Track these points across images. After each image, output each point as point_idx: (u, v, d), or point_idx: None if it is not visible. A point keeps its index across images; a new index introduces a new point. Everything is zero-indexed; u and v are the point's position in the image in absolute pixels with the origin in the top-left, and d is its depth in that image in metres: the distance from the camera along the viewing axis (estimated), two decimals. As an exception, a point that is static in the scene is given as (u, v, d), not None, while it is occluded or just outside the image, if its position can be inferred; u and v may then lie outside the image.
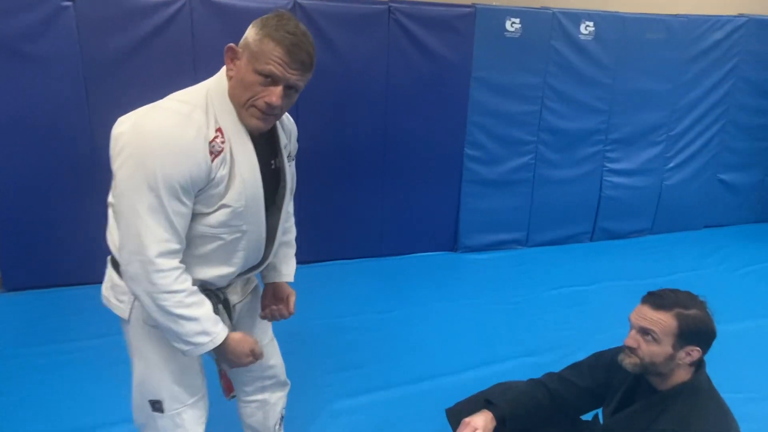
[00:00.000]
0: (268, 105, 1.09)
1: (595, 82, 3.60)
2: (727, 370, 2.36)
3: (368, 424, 2.01)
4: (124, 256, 1.09)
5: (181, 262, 1.11)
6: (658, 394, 1.33)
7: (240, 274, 1.29)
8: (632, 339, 1.31)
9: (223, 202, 1.12)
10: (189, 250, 1.14)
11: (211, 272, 1.20)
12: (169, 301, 1.08)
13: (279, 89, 1.08)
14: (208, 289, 1.22)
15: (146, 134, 1.03)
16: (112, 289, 1.24)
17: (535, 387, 1.57)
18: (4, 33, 2.53)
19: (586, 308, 3.00)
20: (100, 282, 1.28)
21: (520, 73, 3.43)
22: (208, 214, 1.12)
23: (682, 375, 1.31)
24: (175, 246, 1.09)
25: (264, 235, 1.25)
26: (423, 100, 3.32)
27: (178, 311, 1.10)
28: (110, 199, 1.17)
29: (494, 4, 3.34)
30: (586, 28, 3.47)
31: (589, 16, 3.46)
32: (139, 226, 1.04)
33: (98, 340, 2.42)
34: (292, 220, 1.46)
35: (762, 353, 2.56)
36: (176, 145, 1.03)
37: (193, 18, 2.77)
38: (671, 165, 4.02)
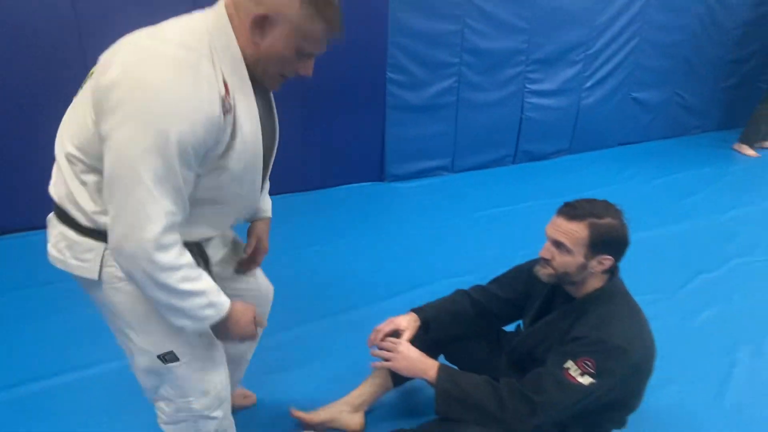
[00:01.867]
0: (302, 76, 1.05)
1: (516, -3, 3.51)
2: (639, 274, 2.52)
3: (299, 355, 1.96)
4: (119, 230, 0.91)
5: None
6: (574, 301, 1.35)
7: None
8: (546, 251, 1.31)
9: (223, 163, 0.98)
10: None
11: (195, 234, 1.08)
12: (174, 277, 0.95)
13: (312, 61, 1.05)
14: (187, 243, 1.06)
15: (152, 89, 0.85)
16: (69, 249, 1.04)
17: (459, 295, 1.60)
18: None
19: (510, 227, 3.07)
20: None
21: (441, -12, 3.26)
22: (203, 176, 0.98)
23: (595, 282, 1.33)
24: (179, 218, 0.95)
25: (257, 197, 1.16)
26: (339, 20, 3.09)
27: (184, 286, 0.97)
28: (74, 152, 0.96)
29: None
30: (506, -61, 3.32)
31: (508, -75, 3.30)
32: (143, 197, 0.88)
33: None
34: None
35: (668, 256, 2.74)
36: (190, 102, 0.87)
37: None
38: (588, 84, 4.08)
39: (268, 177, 1.25)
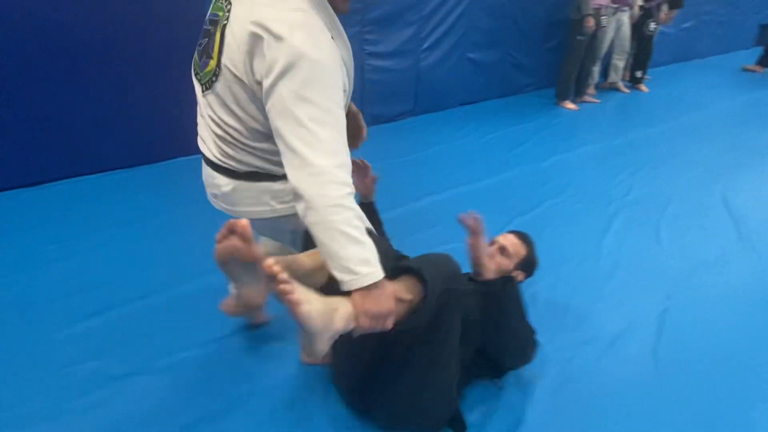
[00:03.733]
0: None
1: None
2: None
3: (115, 339, 1.80)
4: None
5: None
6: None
7: None
8: (492, 249, 1.81)
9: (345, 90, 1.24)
10: None
11: None
12: (340, 216, 1.08)
13: None
14: None
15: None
16: (274, 198, 1.31)
17: None
18: None
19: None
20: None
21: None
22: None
23: None
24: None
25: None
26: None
27: (346, 229, 1.07)
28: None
29: None
30: None
31: None
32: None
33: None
34: None
35: (494, 202, 2.94)
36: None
37: None
38: (426, 46, 4.20)
39: None
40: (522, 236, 1.90)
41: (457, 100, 4.69)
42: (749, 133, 4.36)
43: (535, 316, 1.99)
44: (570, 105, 4.85)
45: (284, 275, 1.07)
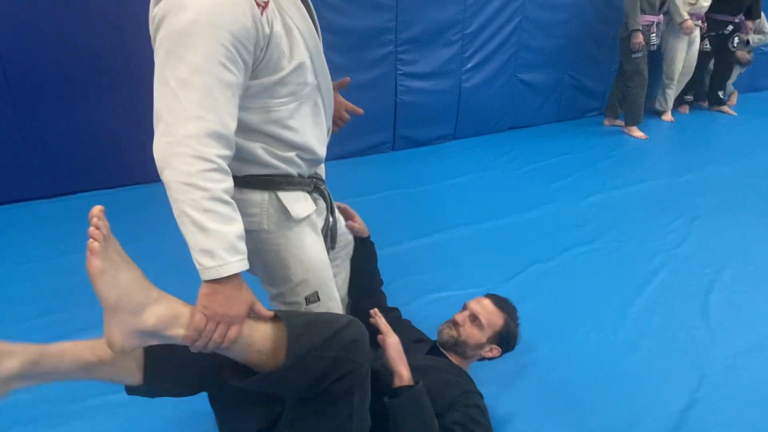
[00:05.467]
0: None
1: (377, -27, 3.29)
2: (471, 265, 2.39)
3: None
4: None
5: (276, 130, 1.12)
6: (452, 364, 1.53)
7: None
8: (462, 316, 1.56)
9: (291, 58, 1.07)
10: (278, 118, 1.11)
11: (309, 134, 1.18)
12: (185, 195, 0.91)
13: None
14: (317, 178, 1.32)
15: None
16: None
17: None
18: None
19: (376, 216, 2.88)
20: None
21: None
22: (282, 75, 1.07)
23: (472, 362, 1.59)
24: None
25: (332, 88, 1.24)
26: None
27: (188, 210, 0.91)
28: None
29: None
30: None
31: None
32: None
33: None
34: None
35: (510, 245, 2.59)
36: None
37: None
38: (469, 66, 3.91)
39: None
40: (500, 302, 1.60)
41: (505, 124, 4.34)
42: None
43: (518, 398, 1.68)
44: (637, 133, 4.31)
45: (103, 220, 0.90)
